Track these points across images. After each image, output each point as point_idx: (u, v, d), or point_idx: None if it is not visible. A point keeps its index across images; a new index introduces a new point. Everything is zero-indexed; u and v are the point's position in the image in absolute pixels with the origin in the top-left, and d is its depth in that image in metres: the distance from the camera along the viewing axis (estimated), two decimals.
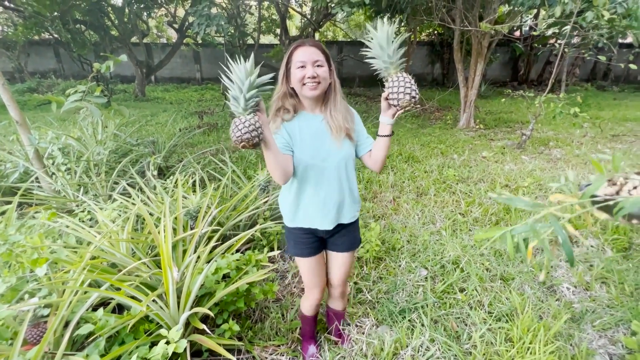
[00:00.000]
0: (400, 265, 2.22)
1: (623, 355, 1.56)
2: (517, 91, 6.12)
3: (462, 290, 1.96)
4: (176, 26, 10.50)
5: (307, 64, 1.13)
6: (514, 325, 1.60)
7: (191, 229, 2.08)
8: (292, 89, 1.19)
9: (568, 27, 4.27)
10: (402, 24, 8.87)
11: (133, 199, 2.23)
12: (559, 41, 6.01)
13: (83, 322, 1.37)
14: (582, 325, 1.71)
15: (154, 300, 1.42)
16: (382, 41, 1.03)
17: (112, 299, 1.47)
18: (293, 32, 13.61)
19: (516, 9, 4.99)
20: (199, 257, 1.69)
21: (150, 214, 2.19)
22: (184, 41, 11.40)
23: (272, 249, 2.29)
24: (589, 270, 2.15)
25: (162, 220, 1.69)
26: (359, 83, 12.75)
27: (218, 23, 3.99)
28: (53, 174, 2.69)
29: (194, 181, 2.61)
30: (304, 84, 1.14)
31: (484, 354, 1.49)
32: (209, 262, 1.77)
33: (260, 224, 2.24)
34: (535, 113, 4.85)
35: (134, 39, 10.99)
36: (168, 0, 8.24)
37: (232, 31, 6.79)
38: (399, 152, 4.63)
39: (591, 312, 1.80)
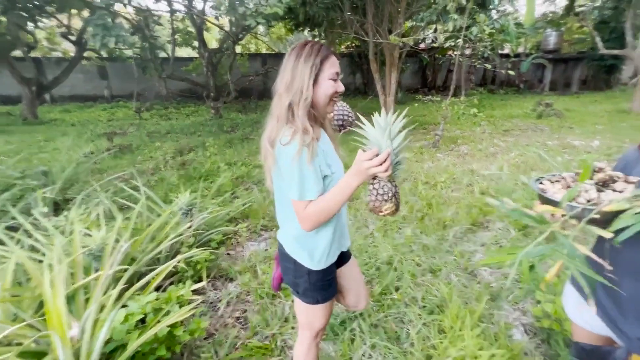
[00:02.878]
0: None
1: (532, 323, 1.76)
2: (427, 96, 6.82)
3: (397, 289, 2.02)
4: (73, 38, 9.25)
5: (338, 77, 1.02)
6: (444, 316, 1.68)
7: (96, 271, 1.76)
8: None
9: (460, 40, 4.91)
10: (321, 36, 9.24)
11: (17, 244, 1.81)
12: (455, 52, 6.87)
13: None
14: (499, 303, 1.90)
15: None
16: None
17: None
18: (213, 44, 13.14)
19: (417, 23, 5.58)
20: (104, 305, 1.42)
21: (40, 261, 1.80)
22: (85, 55, 10.10)
23: (200, 279, 2.07)
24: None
25: (48, 267, 1.38)
26: None
27: (118, 34, 3.58)
28: None
29: (98, 214, 2.24)
30: (332, 99, 1.03)
31: (422, 350, 1.54)
32: (122, 307, 1.51)
33: (184, 253, 2.01)
34: (444, 115, 5.44)
35: (17, 53, 9.35)
36: (59, 8, 7.19)
37: (139, 43, 6.21)
38: None
39: (505, 289, 2.00)
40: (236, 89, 9.36)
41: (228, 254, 2.52)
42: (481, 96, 11.75)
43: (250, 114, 9.75)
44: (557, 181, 0.77)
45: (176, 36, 9.40)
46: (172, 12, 7.47)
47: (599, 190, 0.69)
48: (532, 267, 0.59)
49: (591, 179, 0.72)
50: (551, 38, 12.19)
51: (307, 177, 0.94)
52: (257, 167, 4.46)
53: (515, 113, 8.49)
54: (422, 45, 13.36)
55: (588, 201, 0.66)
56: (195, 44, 9.77)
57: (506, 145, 5.41)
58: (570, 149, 5.06)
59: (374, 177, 0.92)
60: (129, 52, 8.03)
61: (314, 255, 1.07)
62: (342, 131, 1.35)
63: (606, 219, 0.64)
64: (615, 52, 8.89)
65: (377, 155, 0.86)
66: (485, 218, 2.92)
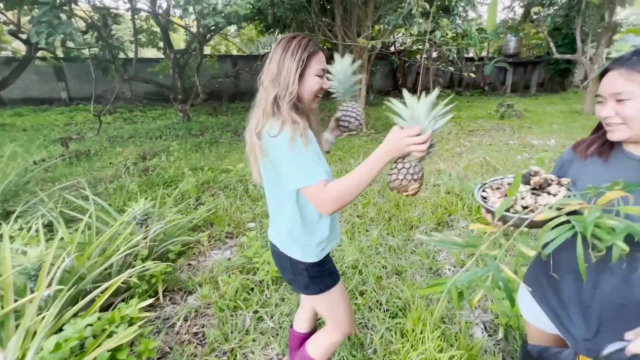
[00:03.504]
0: None
1: (492, 320, 1.80)
2: (396, 98, 6.95)
3: (362, 293, 1.99)
4: (23, 37, 8.58)
5: (324, 73, 1.01)
6: (407, 319, 1.67)
7: (32, 292, 1.60)
8: None
9: (427, 44, 5.03)
10: None
11: None
12: (423, 55, 7.06)
13: None
14: (461, 302, 1.92)
15: None
16: (340, 75, 1.16)
17: None
18: (181, 45, 12.69)
19: (385, 27, 5.67)
20: (35, 331, 1.28)
21: None
22: (39, 55, 9.40)
23: (155, 294, 1.94)
24: (462, 249, 2.47)
25: None
26: None
27: (65, 32, 3.31)
28: None
29: (38, 228, 2.04)
30: (316, 96, 1.03)
31: (384, 356, 1.51)
32: (60, 331, 1.37)
33: (136, 267, 1.87)
34: None
35: None
36: (6, 5, 6.64)
37: (92, 41, 5.83)
38: None
39: (466, 288, 2.03)
40: (205, 91, 9.07)
41: (189, 264, 2.39)
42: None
43: (220, 116, 9.50)
44: (497, 188, 0.76)
45: (140, 36, 8.99)
46: (134, 10, 7.12)
47: (535, 195, 0.69)
48: (461, 294, 0.61)
49: (529, 183, 0.71)
50: (511, 43, 12.87)
51: (306, 160, 0.90)
52: (224, 171, 4.32)
53: (480, 114, 8.85)
54: (391, 48, 13.69)
55: (525, 207, 0.66)
56: (161, 44, 9.40)
57: (471, 145, 5.60)
58: (530, 148, 5.33)
59: (403, 156, 0.91)
60: (86, 52, 7.56)
61: (308, 250, 1.05)
62: (345, 134, 1.28)
63: (542, 225, 0.64)
64: (568, 56, 9.50)
65: (419, 134, 0.84)
66: (450, 217, 2.98)
